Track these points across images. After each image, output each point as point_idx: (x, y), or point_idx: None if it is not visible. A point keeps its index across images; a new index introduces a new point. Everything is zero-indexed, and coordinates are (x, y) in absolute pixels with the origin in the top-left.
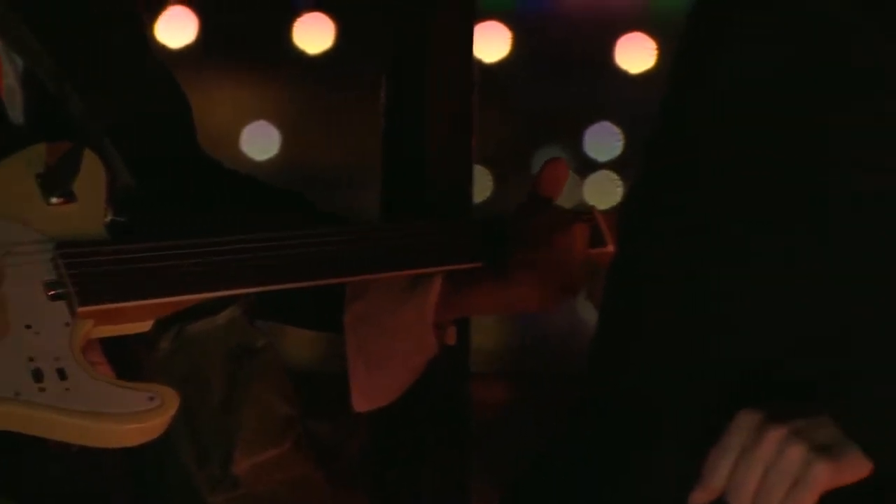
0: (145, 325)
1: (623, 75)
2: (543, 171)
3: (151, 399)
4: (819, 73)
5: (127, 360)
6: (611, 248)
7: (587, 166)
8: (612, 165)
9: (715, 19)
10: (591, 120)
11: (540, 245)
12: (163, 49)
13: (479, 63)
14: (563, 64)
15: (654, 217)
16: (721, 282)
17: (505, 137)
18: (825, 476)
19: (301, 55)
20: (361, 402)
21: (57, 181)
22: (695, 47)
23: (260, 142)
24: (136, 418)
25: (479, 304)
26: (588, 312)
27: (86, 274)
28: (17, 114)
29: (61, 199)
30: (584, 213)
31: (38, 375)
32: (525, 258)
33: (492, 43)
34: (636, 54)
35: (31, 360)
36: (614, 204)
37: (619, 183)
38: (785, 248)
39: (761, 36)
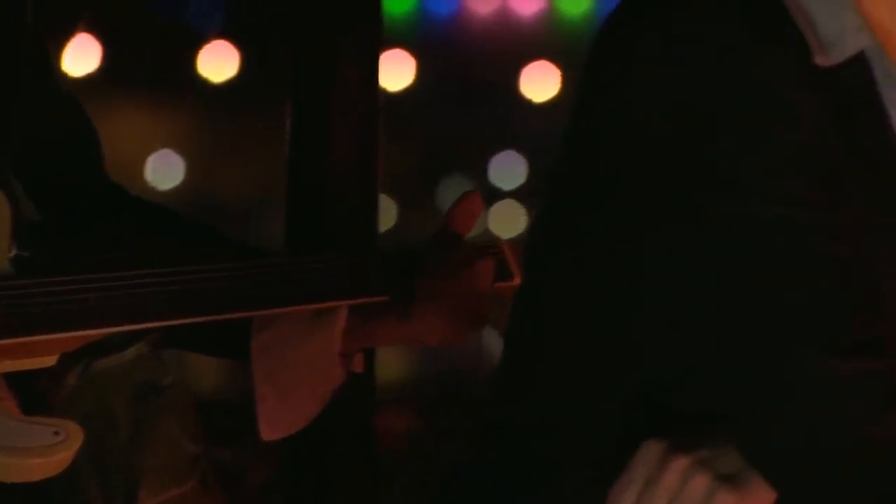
0: (50, 360)
1: (528, 104)
2: (457, 205)
3: (56, 434)
4: (718, 101)
5: (33, 395)
6: (518, 280)
7: (492, 195)
8: (517, 194)
9: (618, 49)
10: (496, 148)
11: (447, 280)
12: (66, 77)
13: (384, 92)
14: (468, 92)
15: (558, 245)
16: (623, 310)
17: (410, 166)
18: None
19: (205, 83)
20: (269, 431)
21: None
22: (599, 76)
23: (165, 171)
24: (40, 453)
25: (386, 335)
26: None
27: None
28: None
29: None
30: (492, 246)
31: None
32: (432, 292)
33: (396, 71)
34: (541, 83)
35: None
36: (519, 232)
37: (524, 211)
38: (684, 276)
39: (663, 65)
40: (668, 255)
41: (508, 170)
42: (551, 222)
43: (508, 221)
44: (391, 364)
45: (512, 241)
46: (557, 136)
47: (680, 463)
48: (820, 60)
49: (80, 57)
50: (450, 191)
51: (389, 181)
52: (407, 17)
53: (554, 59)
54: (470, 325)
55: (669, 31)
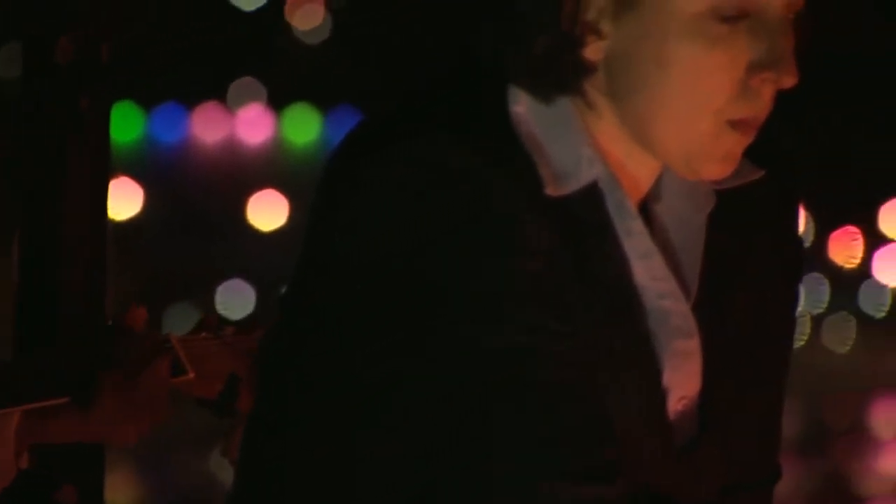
0: None
1: (255, 232)
2: (127, 311)
3: None
4: (450, 229)
5: None
6: (192, 375)
7: (220, 322)
8: (246, 322)
9: (348, 177)
10: (223, 277)
11: (123, 376)
12: None
13: (112, 220)
14: (195, 220)
15: (288, 370)
16: (352, 432)
17: (137, 295)
18: None
19: None
20: None
21: None
22: (329, 205)
23: None
24: None
25: (63, 433)
26: (223, 470)
27: None
28: None
29: None
30: (164, 342)
31: None
32: (108, 390)
33: (124, 200)
34: (268, 211)
35: None
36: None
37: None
38: (407, 400)
39: (393, 193)
40: (399, 383)
41: (236, 298)
42: (280, 347)
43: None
44: (125, 496)
45: (183, 337)
46: (286, 264)
47: None
48: (551, 191)
49: None
50: (177, 319)
51: (117, 309)
52: (134, 145)
53: (281, 187)
54: (147, 421)
55: (400, 160)
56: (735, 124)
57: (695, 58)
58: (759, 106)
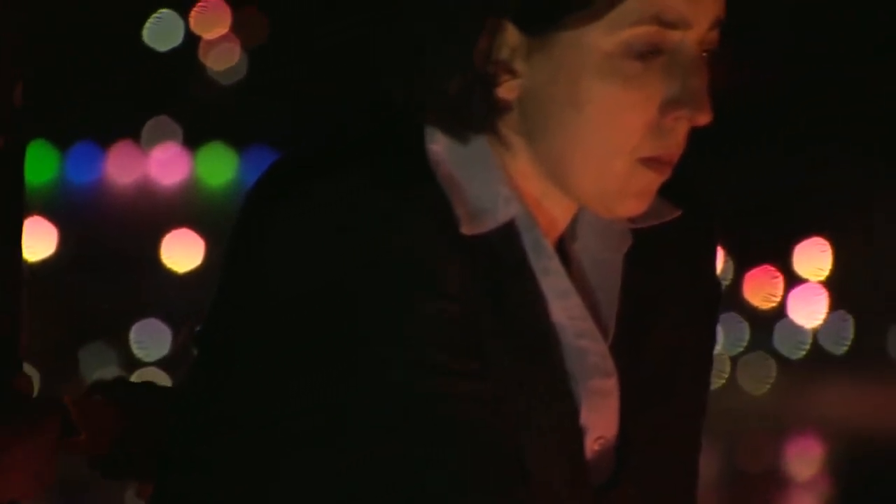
0: None
1: (170, 272)
2: (15, 377)
3: None
4: (362, 269)
5: None
6: (84, 436)
7: (134, 363)
8: (160, 363)
9: (261, 217)
10: (139, 316)
11: (12, 436)
12: None
13: (26, 261)
14: (110, 261)
15: (202, 410)
16: (267, 471)
17: (52, 334)
18: None
19: None
20: None
21: None
22: (243, 246)
23: None
24: None
25: None
26: None
27: None
28: None
29: None
30: (57, 402)
31: None
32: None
33: (39, 240)
34: (183, 251)
35: None
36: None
37: (168, 379)
38: (326, 440)
39: (305, 233)
40: (315, 422)
41: (151, 337)
42: (198, 388)
43: None
44: None
45: (78, 399)
46: (202, 303)
47: None
48: (467, 230)
49: None
50: (92, 358)
51: (31, 349)
52: (48, 185)
53: (196, 226)
54: (39, 480)
55: (315, 200)
56: (649, 162)
57: (609, 96)
58: (674, 144)
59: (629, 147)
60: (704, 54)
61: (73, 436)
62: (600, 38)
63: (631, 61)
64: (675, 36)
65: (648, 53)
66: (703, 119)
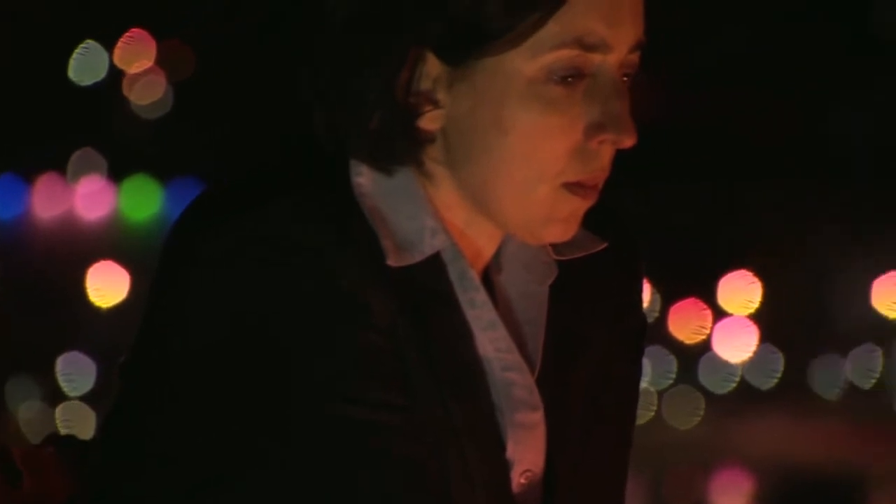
0: None
1: (94, 306)
2: None
3: None
4: (290, 303)
5: None
6: (27, 486)
7: (59, 397)
8: (86, 397)
9: (186, 252)
10: (64, 349)
11: None
12: None
13: None
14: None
15: (128, 449)
16: None
17: None
18: None
19: None
20: None
21: None
22: (168, 281)
23: None
24: None
25: None
26: None
27: None
28: None
29: None
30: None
31: None
32: None
33: None
34: (108, 285)
35: None
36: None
37: (93, 413)
38: (259, 475)
39: (229, 268)
40: (241, 456)
41: (77, 370)
42: (124, 426)
43: (78, 422)
44: None
45: (22, 447)
46: (127, 336)
47: None
48: (394, 261)
49: None
50: (17, 392)
51: None
52: None
53: (121, 260)
54: None
55: (240, 234)
56: (574, 187)
57: (532, 121)
58: (598, 168)
59: (554, 172)
60: (625, 78)
61: (15, 485)
62: (522, 63)
63: (553, 86)
64: (595, 59)
65: (570, 78)
66: (628, 141)
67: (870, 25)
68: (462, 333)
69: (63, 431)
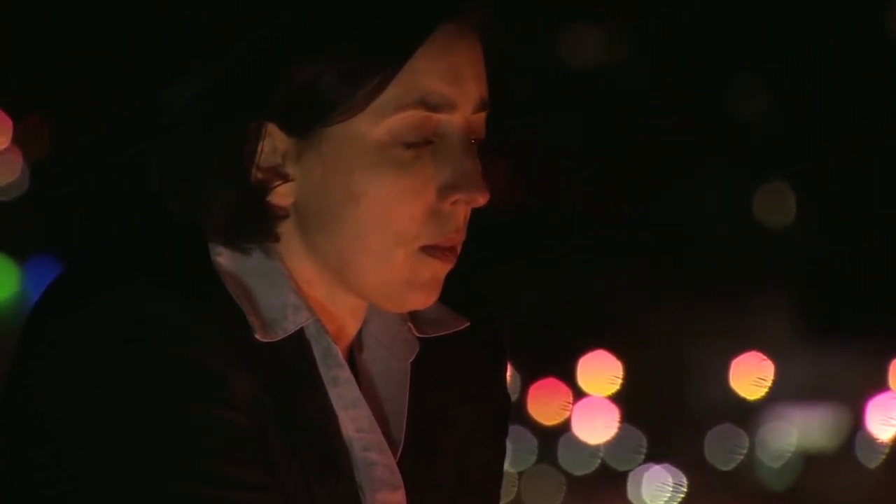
0: None
1: None
2: None
3: None
4: (153, 382)
5: None
6: None
7: None
8: None
9: (49, 330)
10: None
11: None
12: None
13: None
14: None
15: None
16: None
17: None
18: None
19: None
20: None
21: None
22: (31, 357)
23: None
24: None
25: None
26: None
27: None
28: None
29: None
30: None
31: None
32: None
33: None
34: None
35: None
36: None
37: None
38: None
39: (93, 345)
40: None
41: None
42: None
43: None
44: None
45: None
46: None
47: None
48: (261, 336)
49: None
50: None
51: None
52: None
53: None
54: None
55: (99, 312)
56: (431, 250)
57: (384, 185)
58: (454, 229)
59: (409, 235)
60: (473, 141)
61: None
62: (368, 128)
63: (401, 149)
64: (441, 119)
65: (418, 142)
66: (481, 199)
67: (723, 104)
68: (324, 413)
69: None
